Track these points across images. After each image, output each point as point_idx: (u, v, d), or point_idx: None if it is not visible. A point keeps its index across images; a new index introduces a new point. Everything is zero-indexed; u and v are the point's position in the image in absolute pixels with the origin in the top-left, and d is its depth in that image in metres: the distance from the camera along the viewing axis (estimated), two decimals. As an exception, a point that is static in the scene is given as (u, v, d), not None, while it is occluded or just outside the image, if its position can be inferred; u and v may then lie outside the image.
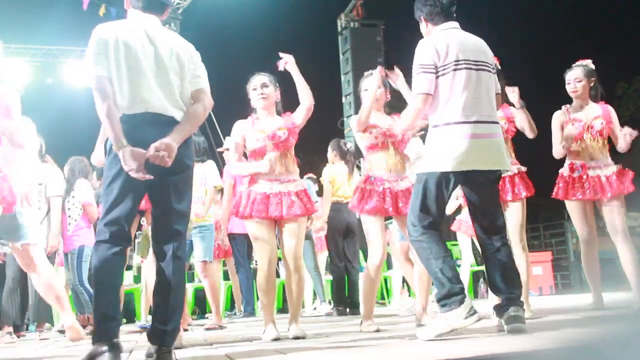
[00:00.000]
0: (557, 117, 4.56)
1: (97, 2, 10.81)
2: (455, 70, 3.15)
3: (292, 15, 18.61)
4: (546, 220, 14.48)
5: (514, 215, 4.09)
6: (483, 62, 3.24)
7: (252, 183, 3.83)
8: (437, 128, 3.19)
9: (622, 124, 4.53)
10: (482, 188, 3.24)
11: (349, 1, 12.53)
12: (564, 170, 4.51)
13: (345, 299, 6.74)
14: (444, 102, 3.17)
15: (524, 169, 4.18)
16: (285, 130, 3.86)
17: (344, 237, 6.73)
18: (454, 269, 3.10)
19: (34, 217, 4.27)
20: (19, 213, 4.00)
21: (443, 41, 3.21)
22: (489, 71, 3.27)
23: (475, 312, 2.97)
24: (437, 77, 3.17)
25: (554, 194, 4.57)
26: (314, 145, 6.78)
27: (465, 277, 7.29)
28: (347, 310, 6.65)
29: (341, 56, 12.36)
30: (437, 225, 3.19)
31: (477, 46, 3.27)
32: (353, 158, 6.77)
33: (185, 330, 5.23)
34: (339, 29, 12.47)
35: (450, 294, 3.03)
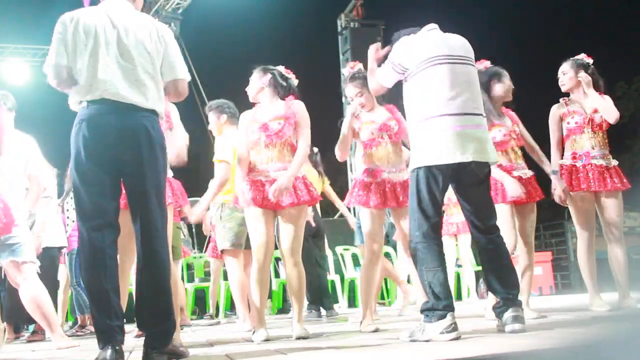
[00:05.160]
0: (555, 110, 4.51)
1: (97, 2, 10.77)
2: (434, 65, 3.19)
3: (292, 15, 18.61)
4: (546, 220, 14.45)
5: (527, 216, 4.13)
6: (462, 56, 3.28)
7: (250, 172, 3.82)
8: (420, 123, 3.21)
9: (622, 124, 4.51)
10: (473, 187, 3.25)
11: (349, 1, 12.51)
12: (566, 160, 4.42)
13: (319, 300, 6.56)
14: (424, 97, 3.20)
15: (532, 173, 4.26)
16: (281, 120, 3.80)
17: (312, 240, 6.56)
18: (443, 284, 3.08)
19: (28, 233, 4.20)
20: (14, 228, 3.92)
21: (424, 40, 3.29)
22: (469, 64, 3.30)
23: (455, 329, 2.98)
24: (415, 75, 3.23)
25: None
26: (313, 145, 6.79)
27: (470, 277, 7.41)
28: (322, 311, 6.48)
29: (341, 56, 12.34)
30: (436, 229, 3.18)
31: (457, 43, 3.32)
32: (320, 161, 6.68)
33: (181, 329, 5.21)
34: (339, 29, 12.46)
35: (433, 308, 3.05)
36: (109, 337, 2.59)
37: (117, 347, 2.58)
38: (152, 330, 2.69)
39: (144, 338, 2.72)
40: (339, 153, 4.08)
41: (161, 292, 2.71)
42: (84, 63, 2.73)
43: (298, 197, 3.70)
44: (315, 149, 6.71)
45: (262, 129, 3.79)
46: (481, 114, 3.26)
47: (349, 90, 4.17)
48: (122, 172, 2.73)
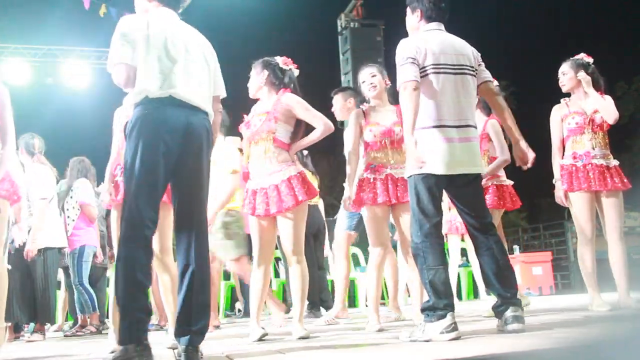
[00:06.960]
0: (556, 111, 4.51)
1: (97, 2, 10.79)
2: (432, 73, 3.17)
3: (292, 15, 18.62)
4: (546, 220, 14.46)
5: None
6: (463, 65, 3.25)
7: (247, 179, 3.85)
8: (415, 132, 3.16)
9: (622, 124, 4.50)
10: (465, 189, 3.26)
11: (349, 1, 12.53)
12: (566, 160, 4.41)
13: (319, 300, 6.48)
14: (420, 105, 3.16)
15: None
16: (262, 116, 3.76)
17: (314, 239, 6.49)
18: (444, 283, 3.08)
19: None
20: None
21: (423, 43, 3.21)
22: (470, 74, 3.28)
23: (455, 329, 2.98)
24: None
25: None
26: (314, 145, 6.75)
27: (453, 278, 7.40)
28: (321, 310, 6.44)
29: (341, 56, 12.36)
30: (438, 228, 3.18)
31: (458, 49, 3.28)
32: (310, 163, 6.61)
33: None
34: (339, 29, 12.48)
35: (433, 308, 3.05)
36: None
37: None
38: (195, 327, 2.72)
39: (181, 336, 2.72)
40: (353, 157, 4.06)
41: (207, 290, 2.77)
42: (153, 64, 2.74)
43: (296, 198, 3.66)
44: (305, 152, 6.66)
45: (246, 125, 3.84)
46: (473, 126, 3.26)
47: (364, 73, 4.15)
48: (178, 170, 2.73)
